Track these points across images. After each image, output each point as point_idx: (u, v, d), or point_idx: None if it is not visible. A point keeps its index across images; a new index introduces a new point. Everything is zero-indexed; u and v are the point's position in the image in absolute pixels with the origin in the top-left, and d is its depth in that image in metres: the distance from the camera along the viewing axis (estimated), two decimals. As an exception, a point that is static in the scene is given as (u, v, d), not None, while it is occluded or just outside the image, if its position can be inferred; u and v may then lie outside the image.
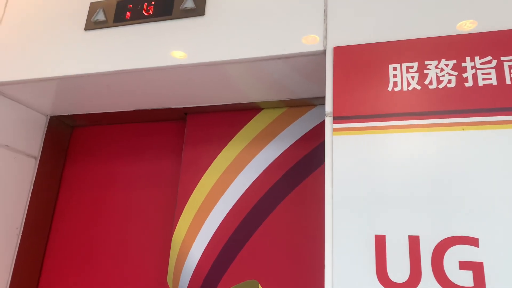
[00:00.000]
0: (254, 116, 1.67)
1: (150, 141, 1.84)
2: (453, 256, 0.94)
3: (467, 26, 1.13)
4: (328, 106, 1.16)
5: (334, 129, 1.12)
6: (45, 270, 1.77)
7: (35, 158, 1.76)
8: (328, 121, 1.15)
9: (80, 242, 1.76)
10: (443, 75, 1.09)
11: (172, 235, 1.59)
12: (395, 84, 1.12)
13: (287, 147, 1.59)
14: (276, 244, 1.49)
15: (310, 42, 1.25)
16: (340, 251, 1.02)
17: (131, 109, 1.73)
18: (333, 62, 1.19)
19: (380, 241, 1.00)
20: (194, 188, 1.63)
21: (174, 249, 1.58)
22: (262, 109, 1.66)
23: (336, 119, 1.13)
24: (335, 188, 1.08)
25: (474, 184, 0.98)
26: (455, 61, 1.10)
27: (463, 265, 0.93)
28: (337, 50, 1.20)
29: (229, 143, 1.67)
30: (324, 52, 1.23)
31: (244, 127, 1.67)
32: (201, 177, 1.64)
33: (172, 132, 1.82)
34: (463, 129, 1.03)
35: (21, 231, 1.67)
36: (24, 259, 1.67)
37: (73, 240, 1.77)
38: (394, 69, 1.14)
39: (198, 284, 1.52)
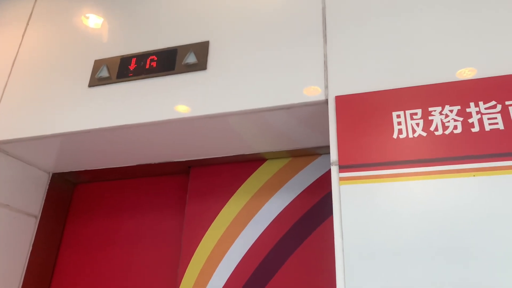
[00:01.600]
0: (258, 167, 1.65)
1: (154, 196, 1.81)
2: (477, 312, 0.88)
3: (466, 74, 1.13)
4: (333, 155, 1.14)
5: (341, 178, 1.09)
6: (42, 336, 1.67)
7: (36, 217, 1.72)
8: (334, 170, 1.12)
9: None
10: (448, 121, 1.08)
11: (176, 295, 1.52)
12: (400, 131, 1.11)
13: (293, 198, 1.55)
14: (285, 302, 1.41)
15: (311, 92, 1.25)
16: (355, 309, 0.96)
17: (134, 164, 1.71)
18: (335, 111, 1.19)
19: (396, 297, 0.94)
20: (198, 244, 1.57)
21: (178, 310, 1.49)
22: (266, 159, 1.64)
23: (342, 168, 1.11)
24: (345, 241, 1.03)
25: (493, 232, 0.93)
26: (459, 107, 1.09)
27: (489, 322, 0.86)
28: (339, 99, 1.20)
29: (233, 195, 1.63)
30: (326, 102, 1.23)
31: (248, 178, 1.64)
32: (205, 233, 1.59)
33: (176, 186, 1.79)
34: (474, 175, 1.00)
35: (18, 295, 1.60)
36: (20, 325, 1.59)
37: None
38: (398, 116, 1.13)
39: None
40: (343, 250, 1.02)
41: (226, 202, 1.62)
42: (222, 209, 1.61)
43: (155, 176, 1.83)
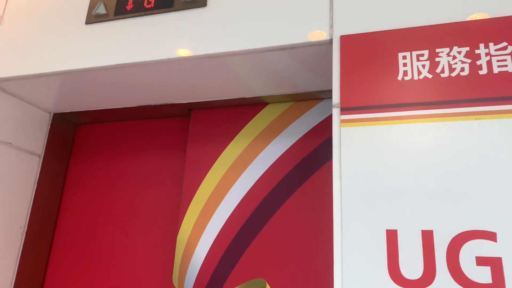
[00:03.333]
0: (260, 111, 1.63)
1: (155, 138, 1.81)
2: (469, 252, 0.90)
3: (478, 18, 1.08)
4: (335, 97, 1.12)
5: (342, 121, 1.08)
6: (50, 268, 1.74)
7: (39, 156, 1.73)
8: (336, 112, 1.10)
9: (85, 241, 1.74)
10: (456, 63, 1.05)
11: (177, 234, 1.56)
12: (405, 73, 1.08)
13: (293, 142, 1.55)
14: (283, 241, 1.45)
15: (316, 32, 1.20)
16: (350, 247, 0.98)
17: (135, 105, 1.69)
18: (340, 52, 1.15)
19: (391, 236, 0.96)
20: (199, 186, 1.60)
21: (179, 248, 1.54)
22: (268, 103, 1.62)
23: (344, 110, 1.09)
24: (343, 181, 1.03)
25: (491, 175, 0.93)
26: (468, 48, 1.05)
27: (480, 261, 0.88)
28: (344, 39, 1.16)
29: (234, 139, 1.63)
30: (330, 42, 1.19)
31: (250, 122, 1.63)
32: (206, 174, 1.61)
33: (177, 129, 1.79)
34: (478, 119, 0.98)
35: (25, 230, 1.65)
36: (28, 258, 1.65)
37: (77, 238, 1.75)
38: (404, 57, 1.09)
39: (204, 283, 1.49)
40: (341, 191, 1.03)
41: (227, 145, 1.63)
42: (223, 152, 1.62)
43: (156, 118, 1.82)
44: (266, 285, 1.42)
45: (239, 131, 1.63)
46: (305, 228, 1.44)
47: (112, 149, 1.84)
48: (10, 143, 1.61)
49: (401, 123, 1.04)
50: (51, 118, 1.80)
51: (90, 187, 1.81)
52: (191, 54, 1.30)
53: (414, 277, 0.91)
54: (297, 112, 1.59)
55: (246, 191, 1.54)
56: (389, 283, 0.92)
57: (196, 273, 1.50)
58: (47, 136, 1.77)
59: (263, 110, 1.63)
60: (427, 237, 0.93)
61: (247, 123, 1.64)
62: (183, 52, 1.31)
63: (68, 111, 1.79)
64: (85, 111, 1.77)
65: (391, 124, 1.04)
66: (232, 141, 1.63)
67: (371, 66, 1.11)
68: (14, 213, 1.62)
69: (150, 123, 1.83)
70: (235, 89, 1.53)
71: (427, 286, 0.90)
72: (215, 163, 1.61)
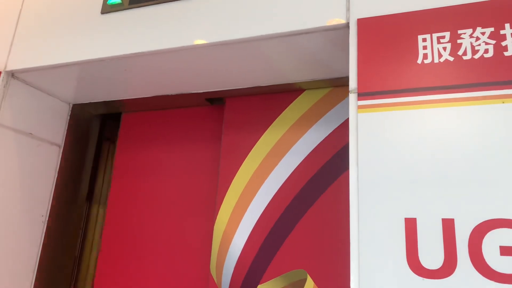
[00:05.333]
0: (296, 97, 1.56)
1: (185, 127, 1.78)
2: (493, 241, 0.86)
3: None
4: (352, 82, 1.08)
5: (359, 106, 1.05)
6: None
7: (59, 146, 1.76)
8: (352, 98, 1.07)
9: (114, 230, 1.74)
10: (479, 44, 1.00)
11: (214, 223, 1.53)
12: (425, 56, 1.04)
13: (332, 129, 1.49)
14: (323, 231, 1.39)
15: (332, 15, 1.17)
16: (367, 236, 0.95)
17: (153, 95, 1.68)
18: (357, 36, 1.11)
19: (410, 224, 0.93)
20: (235, 175, 1.55)
21: (216, 238, 1.51)
22: (305, 90, 1.56)
23: (361, 95, 1.06)
24: (360, 168, 1.01)
25: (516, 161, 0.89)
26: (492, 29, 1.00)
27: (505, 251, 0.85)
28: (361, 23, 1.12)
29: (270, 126, 1.57)
30: (347, 26, 1.15)
31: (286, 109, 1.57)
32: (241, 163, 1.56)
33: (211, 117, 1.74)
34: (503, 102, 0.94)
35: (47, 218, 1.69)
36: (50, 244, 1.68)
37: (106, 228, 1.76)
38: (424, 40, 1.05)
39: (243, 273, 1.45)
40: (357, 179, 1.00)
41: (263, 133, 1.57)
42: (259, 140, 1.57)
43: (179, 108, 1.79)
44: (307, 276, 1.36)
45: (275, 119, 1.57)
46: (346, 217, 1.39)
47: (140, 139, 1.83)
48: (31, 133, 1.64)
49: (420, 108, 1.00)
50: (71, 109, 1.82)
51: (119, 177, 1.82)
52: (211, 40, 1.27)
53: (434, 267, 0.89)
54: (336, 98, 1.51)
55: (284, 180, 1.49)
56: (408, 273, 0.90)
57: (234, 263, 1.47)
58: (66, 126, 1.79)
59: (299, 97, 1.56)
60: (448, 226, 0.90)
61: (283, 111, 1.57)
62: (202, 39, 1.28)
63: (87, 102, 1.80)
64: (103, 101, 1.78)
65: (410, 109, 1.01)
66: (268, 129, 1.57)
67: (389, 50, 1.07)
68: (36, 202, 1.65)
69: (180, 112, 1.80)
70: (270, 75, 1.47)
71: (448, 276, 0.87)
72: (251, 151, 1.56)
